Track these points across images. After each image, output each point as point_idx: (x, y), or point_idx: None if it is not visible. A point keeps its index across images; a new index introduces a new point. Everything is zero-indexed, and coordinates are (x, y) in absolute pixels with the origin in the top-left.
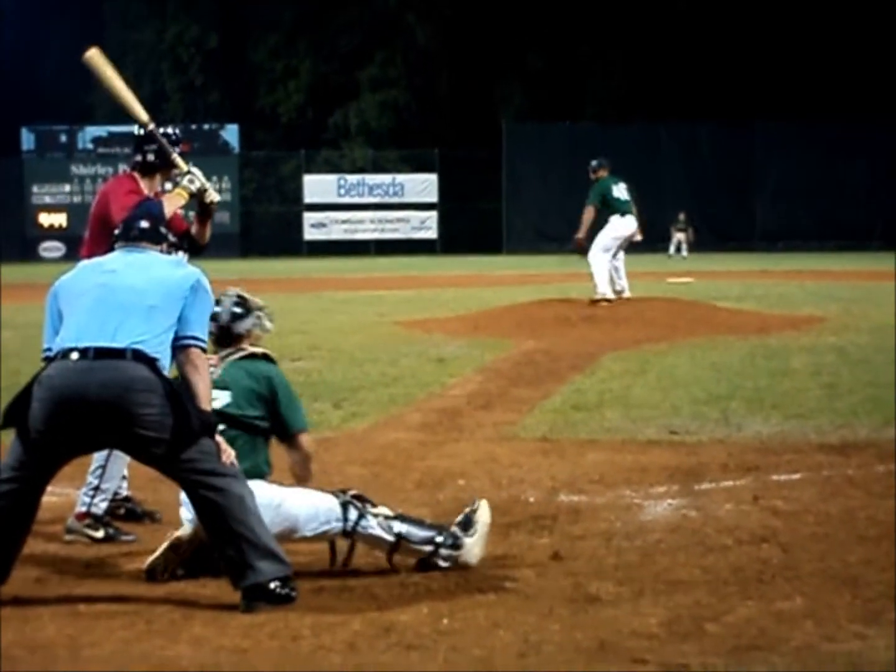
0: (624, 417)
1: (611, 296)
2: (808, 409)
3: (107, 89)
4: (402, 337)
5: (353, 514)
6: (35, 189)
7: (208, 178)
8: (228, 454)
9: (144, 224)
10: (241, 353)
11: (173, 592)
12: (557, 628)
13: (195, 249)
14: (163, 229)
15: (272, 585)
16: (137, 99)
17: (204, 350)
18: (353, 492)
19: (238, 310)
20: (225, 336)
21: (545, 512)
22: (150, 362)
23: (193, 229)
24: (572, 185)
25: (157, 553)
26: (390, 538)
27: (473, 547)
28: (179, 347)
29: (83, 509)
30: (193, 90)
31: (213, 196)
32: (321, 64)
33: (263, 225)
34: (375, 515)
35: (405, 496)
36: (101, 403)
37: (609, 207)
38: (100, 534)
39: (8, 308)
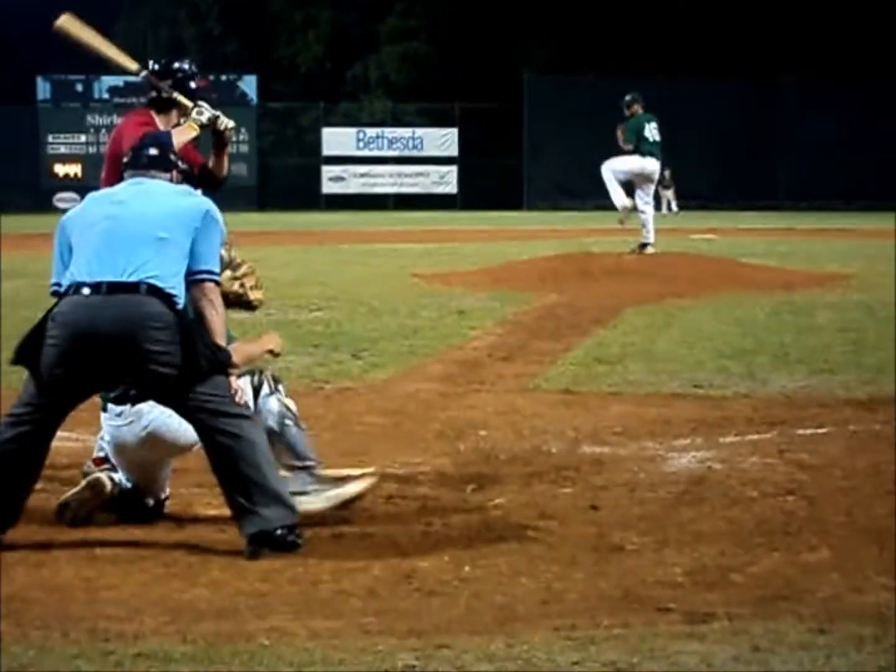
0: (647, 371)
1: (628, 206)
2: (835, 364)
3: (88, 51)
4: (422, 289)
5: (264, 389)
6: (50, 139)
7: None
8: (241, 394)
9: (153, 151)
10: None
11: (190, 537)
12: (581, 577)
13: (214, 184)
14: (173, 156)
15: (278, 532)
16: (121, 50)
17: (217, 283)
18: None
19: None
20: None
21: (567, 463)
22: (164, 296)
23: (210, 162)
24: (594, 140)
25: (72, 491)
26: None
27: (321, 499)
28: (193, 282)
29: (101, 454)
30: (211, 40)
31: (226, 122)
32: (341, 14)
33: (281, 177)
34: (281, 403)
35: (426, 446)
36: (114, 339)
37: (637, 146)
38: (117, 477)
39: (21, 257)
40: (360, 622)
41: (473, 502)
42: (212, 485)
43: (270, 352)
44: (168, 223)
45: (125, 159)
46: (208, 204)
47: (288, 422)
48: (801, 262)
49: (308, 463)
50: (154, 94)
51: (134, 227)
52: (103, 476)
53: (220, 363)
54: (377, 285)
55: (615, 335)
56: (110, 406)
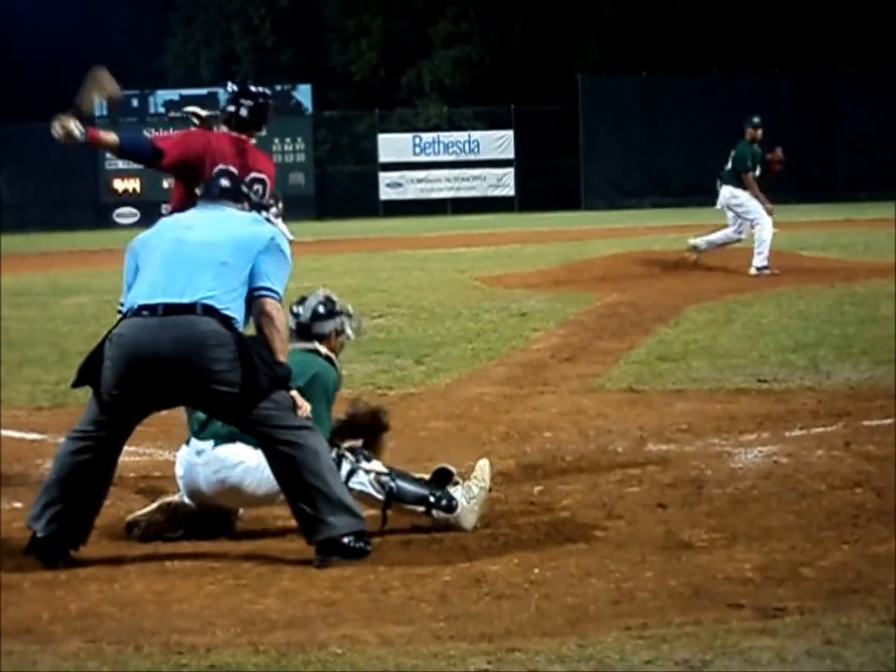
0: (711, 367)
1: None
2: None
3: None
4: (483, 292)
5: (344, 468)
6: (108, 155)
7: (282, 141)
8: (304, 409)
9: (225, 183)
10: (309, 346)
11: (260, 548)
12: (650, 575)
13: None
14: (244, 188)
15: (346, 540)
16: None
17: (279, 301)
18: (347, 444)
19: (322, 310)
20: (303, 334)
21: (634, 461)
22: (221, 317)
23: None
24: (650, 138)
25: (144, 511)
26: (380, 496)
27: (469, 513)
28: (254, 299)
29: None
30: (264, 51)
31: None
32: (393, 20)
33: (338, 186)
34: (368, 472)
35: (491, 449)
36: (173, 360)
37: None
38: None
39: (84, 274)
40: (431, 628)
41: (540, 504)
42: None
43: None
44: (231, 248)
45: (198, 190)
46: (273, 232)
47: (385, 479)
48: (863, 253)
49: (431, 498)
50: (232, 108)
51: (196, 252)
52: (176, 499)
53: (280, 379)
54: (438, 290)
55: (678, 332)
56: (193, 441)
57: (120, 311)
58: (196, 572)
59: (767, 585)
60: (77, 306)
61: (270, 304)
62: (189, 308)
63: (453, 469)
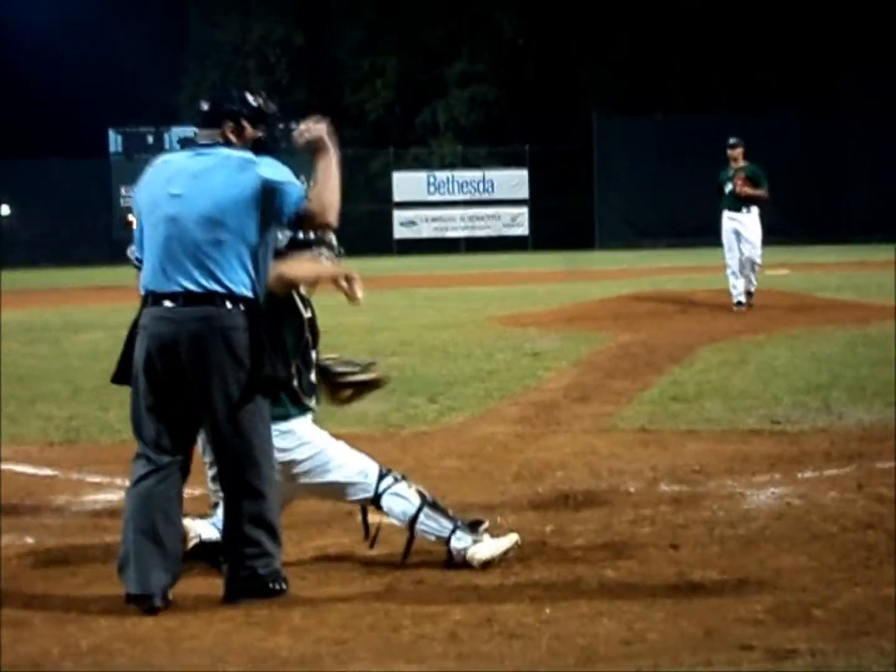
0: (724, 408)
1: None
2: None
3: None
4: (496, 331)
5: (387, 481)
6: (123, 191)
7: (296, 178)
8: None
9: (204, 106)
10: None
11: None
12: (662, 616)
13: None
14: (227, 106)
15: (261, 579)
16: None
17: (306, 197)
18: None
19: (301, 236)
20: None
21: (646, 502)
22: (239, 301)
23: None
24: (664, 179)
25: None
26: (417, 501)
27: (489, 547)
28: (297, 214)
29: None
30: (280, 89)
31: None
32: (407, 60)
33: (352, 224)
34: (409, 485)
35: (504, 489)
36: (190, 355)
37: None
38: (199, 524)
39: (98, 309)
40: (442, 666)
41: (552, 544)
42: (289, 533)
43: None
44: (227, 217)
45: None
46: (262, 174)
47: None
48: (876, 295)
49: (458, 521)
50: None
51: (195, 231)
52: (185, 523)
53: (279, 381)
54: (451, 329)
55: (691, 373)
56: None
57: (136, 266)
58: (207, 609)
59: (779, 627)
60: (90, 342)
61: (307, 208)
62: (208, 298)
63: (485, 521)
